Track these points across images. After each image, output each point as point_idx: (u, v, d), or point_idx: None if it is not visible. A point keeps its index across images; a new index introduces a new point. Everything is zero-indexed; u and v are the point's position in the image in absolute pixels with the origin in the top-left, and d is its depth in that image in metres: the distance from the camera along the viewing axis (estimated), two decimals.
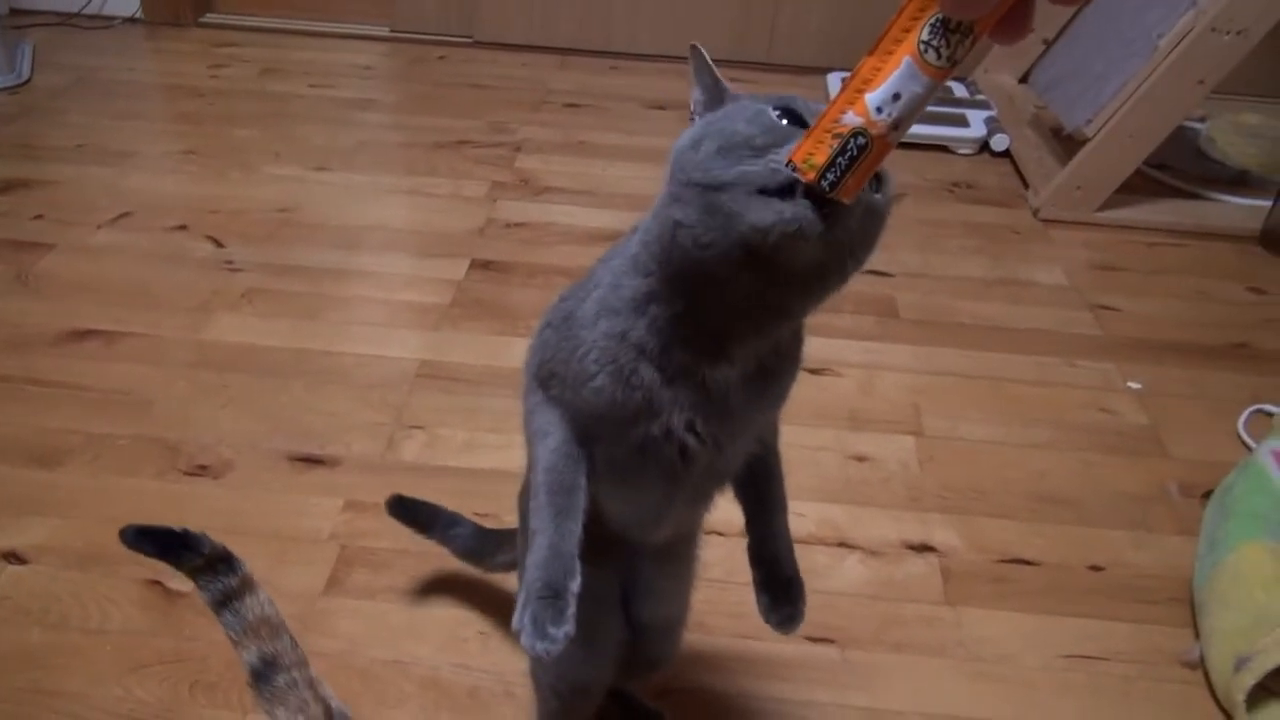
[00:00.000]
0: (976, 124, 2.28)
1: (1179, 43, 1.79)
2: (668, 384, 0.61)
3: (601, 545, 0.68)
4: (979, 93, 2.45)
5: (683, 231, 0.55)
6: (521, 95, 2.47)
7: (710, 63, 0.61)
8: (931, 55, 0.46)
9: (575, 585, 0.63)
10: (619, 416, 0.63)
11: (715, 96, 0.60)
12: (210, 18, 2.83)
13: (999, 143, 2.23)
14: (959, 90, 2.47)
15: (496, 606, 1.12)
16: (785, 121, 0.54)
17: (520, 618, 0.62)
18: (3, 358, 1.46)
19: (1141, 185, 2.05)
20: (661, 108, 2.43)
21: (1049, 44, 2.36)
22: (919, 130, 2.23)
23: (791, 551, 0.75)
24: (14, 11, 2.67)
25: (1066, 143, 2.09)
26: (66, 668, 1.03)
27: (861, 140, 0.48)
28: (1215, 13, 1.75)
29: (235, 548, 1.17)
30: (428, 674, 1.05)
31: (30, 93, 2.35)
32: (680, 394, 0.62)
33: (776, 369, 0.64)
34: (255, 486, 1.27)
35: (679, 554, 0.83)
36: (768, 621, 0.73)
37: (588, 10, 2.68)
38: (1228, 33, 1.75)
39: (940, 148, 2.27)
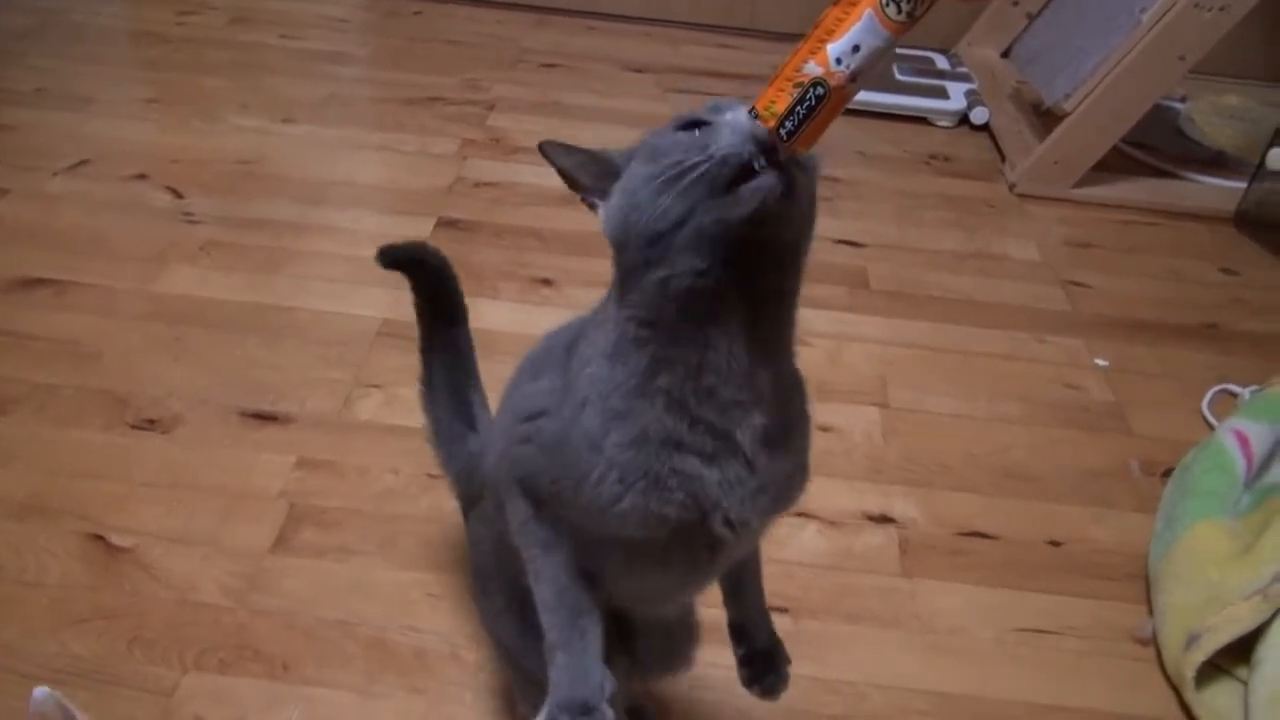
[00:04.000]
0: (957, 96, 2.25)
1: (1161, 18, 1.76)
2: (708, 464, 0.57)
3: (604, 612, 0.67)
4: (961, 65, 2.42)
5: (677, 279, 0.53)
6: (497, 53, 2.42)
7: (563, 144, 0.58)
8: (892, 10, 0.47)
9: (609, 691, 0.62)
10: (651, 531, 0.59)
11: (603, 167, 0.57)
12: None
13: (978, 116, 2.21)
14: (940, 62, 2.44)
15: (445, 568, 1.11)
16: (694, 130, 0.53)
17: None
18: None
19: (1119, 163, 2.03)
20: (639, 70, 2.38)
21: (1032, 18, 2.34)
22: (898, 101, 2.21)
23: (770, 624, 0.75)
24: None
25: (1046, 118, 2.07)
26: (1, 620, 1.00)
27: (820, 90, 0.48)
28: None
29: (180, 503, 1.16)
30: (374, 634, 1.03)
31: None
32: (721, 472, 0.58)
33: (794, 417, 0.62)
34: (204, 442, 1.24)
35: (678, 615, 0.82)
36: (751, 691, 0.74)
37: None
38: (1210, 9, 1.73)
39: (919, 119, 2.24)
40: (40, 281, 1.48)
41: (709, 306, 0.54)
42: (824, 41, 0.48)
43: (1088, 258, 1.82)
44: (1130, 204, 1.98)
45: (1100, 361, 1.53)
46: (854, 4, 0.47)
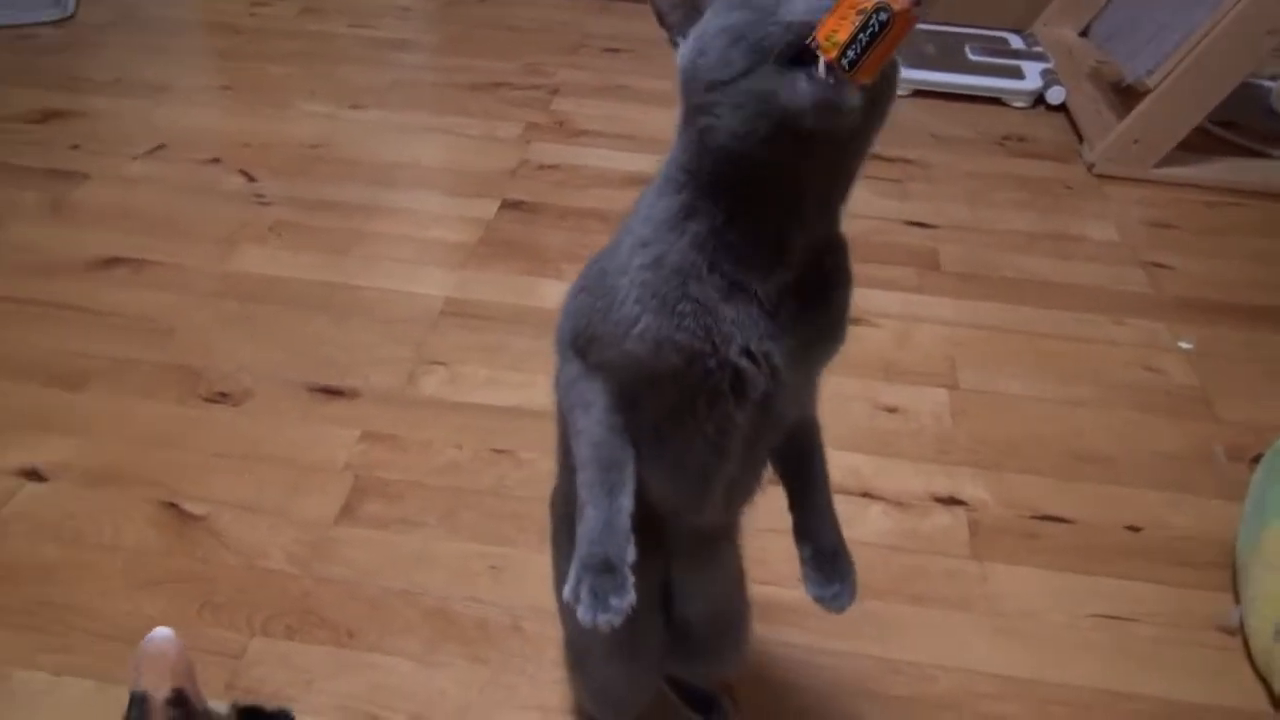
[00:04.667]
0: (1032, 76, 2.19)
1: None
2: (722, 301, 0.57)
3: (642, 539, 0.64)
4: (1036, 45, 2.35)
5: (714, 133, 0.53)
6: (560, 39, 2.42)
7: None
8: None
9: (632, 557, 0.61)
10: (672, 360, 0.59)
11: (690, 8, 0.56)
12: None
13: (1055, 95, 2.14)
14: (1015, 42, 2.37)
15: (509, 541, 1.11)
16: None
17: (575, 590, 0.60)
18: (31, 282, 1.47)
19: (1203, 143, 1.95)
20: None
21: None
22: (971, 81, 2.16)
23: (838, 526, 0.71)
24: None
25: (1127, 96, 2.00)
26: (79, 582, 1.03)
27: (884, 16, 0.47)
28: None
29: (251, 475, 1.18)
30: (436, 605, 1.04)
31: (74, 27, 2.35)
32: (736, 312, 0.57)
33: (828, 279, 0.60)
34: (273, 414, 1.26)
35: (720, 545, 0.79)
36: (817, 599, 0.69)
37: None
38: None
39: (993, 100, 2.18)
40: (118, 260, 1.53)
41: (742, 169, 0.54)
42: None
43: (1170, 239, 1.75)
44: (1216, 184, 1.90)
45: (1184, 344, 1.47)
46: None
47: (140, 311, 1.42)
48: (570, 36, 2.43)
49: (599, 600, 0.59)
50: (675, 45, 0.57)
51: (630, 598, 0.60)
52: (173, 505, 1.13)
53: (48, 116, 1.94)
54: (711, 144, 0.54)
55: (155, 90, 2.07)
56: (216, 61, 2.27)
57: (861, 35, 0.46)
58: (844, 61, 0.47)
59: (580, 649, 0.83)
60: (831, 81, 0.48)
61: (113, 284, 1.48)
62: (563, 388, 0.67)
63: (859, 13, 0.47)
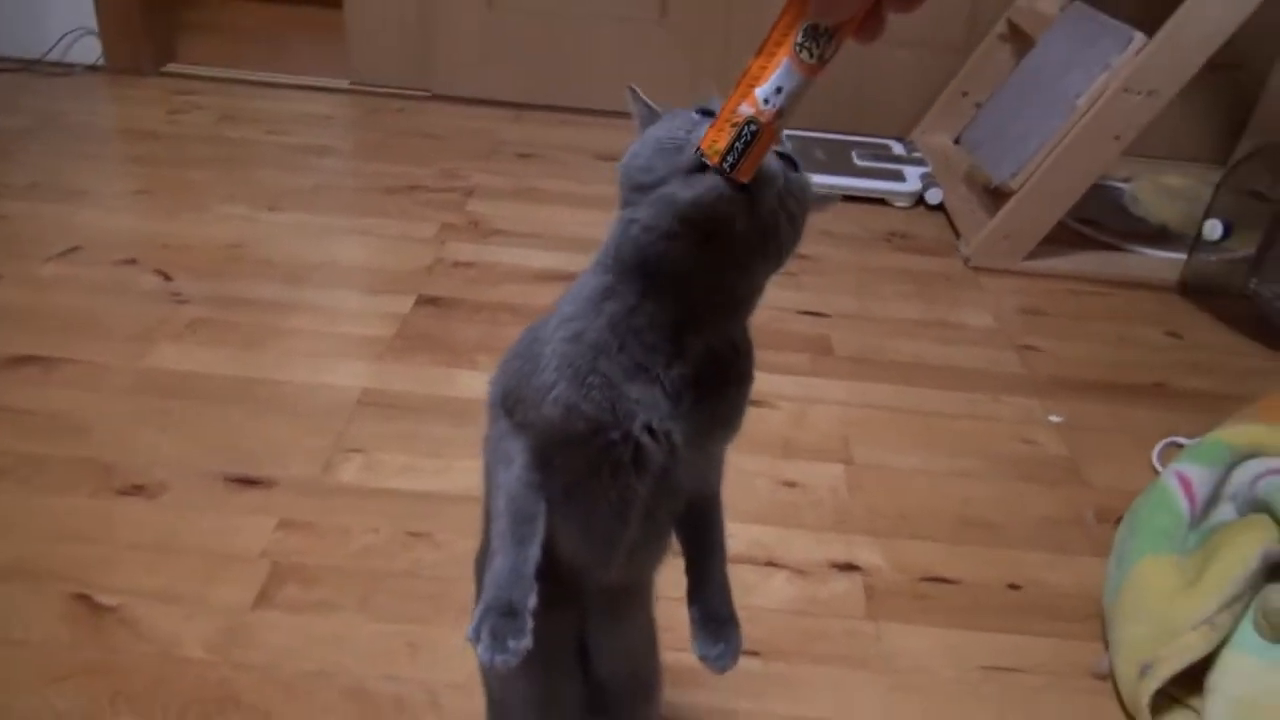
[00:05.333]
0: (912, 179, 2.38)
1: (1095, 102, 1.90)
2: (627, 380, 0.63)
3: (554, 591, 0.69)
4: (915, 150, 2.56)
5: (633, 226, 0.60)
6: (475, 145, 2.53)
7: (644, 97, 0.67)
8: (805, 54, 0.54)
9: (532, 603, 0.65)
10: (579, 428, 0.64)
11: (650, 119, 0.66)
12: (171, 67, 2.89)
13: (933, 196, 2.33)
14: (896, 148, 2.58)
15: (425, 620, 1.14)
16: (707, 117, 0.60)
17: (476, 630, 0.64)
18: None
19: (1067, 238, 2.15)
20: (609, 159, 2.48)
21: (979, 107, 2.48)
22: (858, 184, 2.33)
23: (729, 594, 0.76)
24: None
25: (996, 196, 2.19)
26: None
27: (754, 127, 0.55)
28: (1128, 74, 1.87)
29: (166, 565, 1.19)
30: (353, 684, 1.05)
31: None
32: (640, 392, 0.63)
33: (727, 375, 0.66)
34: (189, 506, 1.28)
35: (631, 601, 0.83)
36: (702, 659, 0.73)
37: (540, 67, 2.77)
38: (1139, 93, 1.87)
39: (879, 201, 2.36)
40: (30, 359, 1.53)
41: (653, 264, 0.61)
42: (751, 87, 0.55)
43: (1040, 324, 1.91)
44: (1079, 275, 2.08)
45: (1054, 418, 1.60)
46: (773, 54, 0.54)
47: (52, 409, 1.43)
48: (484, 143, 2.55)
49: (498, 641, 0.63)
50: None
51: (527, 641, 0.64)
52: (84, 597, 1.12)
53: None
54: (630, 234, 0.61)
55: (72, 195, 2.09)
56: (134, 167, 2.31)
57: (737, 143, 0.55)
58: (725, 164, 0.56)
59: (502, 708, 0.86)
60: (720, 179, 0.56)
61: (23, 382, 1.48)
62: (489, 444, 0.73)
63: (733, 125, 0.55)
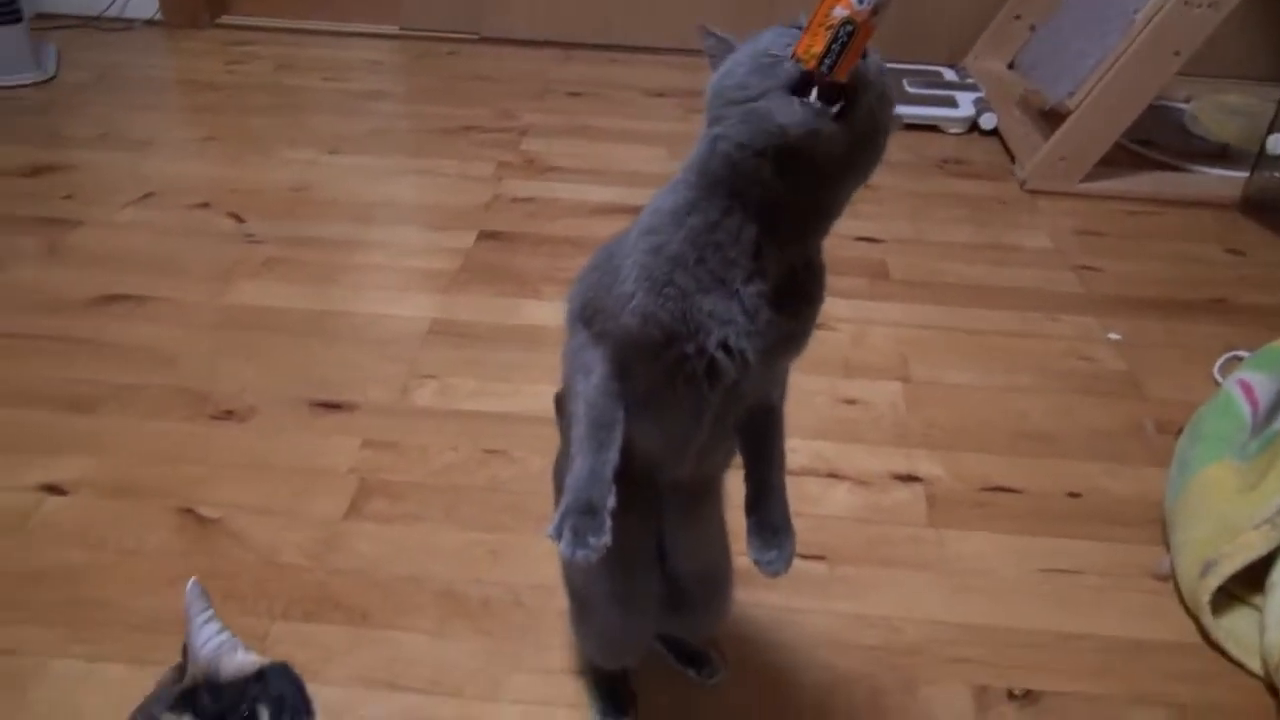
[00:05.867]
0: (965, 105, 2.36)
1: (1154, 16, 1.87)
2: (703, 293, 0.66)
3: (632, 493, 0.73)
4: (968, 77, 2.53)
5: (722, 142, 0.63)
6: (526, 85, 2.56)
7: (716, 32, 0.68)
8: None
9: (611, 504, 0.70)
10: (655, 337, 0.67)
11: (725, 52, 0.67)
12: (226, 19, 2.94)
13: (987, 121, 2.31)
14: (948, 75, 2.55)
15: (506, 529, 1.20)
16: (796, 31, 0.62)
17: (558, 528, 0.69)
18: (37, 319, 1.55)
19: (1125, 159, 2.12)
20: (660, 95, 2.51)
21: (1034, 29, 2.45)
22: (910, 111, 2.32)
23: (785, 504, 0.79)
24: (40, 15, 2.78)
25: (1051, 118, 2.17)
26: (106, 582, 1.10)
27: (850, 28, 0.58)
28: None
29: (262, 481, 1.26)
30: (443, 588, 1.12)
31: (56, 88, 2.45)
32: (715, 305, 0.66)
33: (802, 294, 0.69)
34: (278, 429, 1.35)
35: (703, 502, 0.88)
36: (756, 563, 0.77)
37: (588, 6, 2.78)
38: (1199, 5, 1.83)
39: (931, 128, 2.35)
40: (118, 297, 1.61)
41: (739, 180, 0.63)
42: None
43: (1098, 245, 1.90)
44: (1138, 195, 2.06)
45: (1113, 336, 1.61)
46: None
47: (143, 343, 1.51)
48: (535, 83, 2.57)
49: (579, 538, 0.68)
50: (714, 70, 0.67)
51: (606, 539, 0.68)
52: (189, 511, 1.20)
53: (38, 170, 2.02)
54: (719, 151, 0.63)
55: (140, 144, 2.16)
56: (198, 116, 2.37)
57: (834, 45, 0.57)
58: (822, 67, 0.58)
59: (584, 600, 0.91)
60: (817, 108, 0.59)
61: (114, 318, 1.56)
62: (568, 355, 0.76)
63: (828, 29, 0.58)
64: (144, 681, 0.98)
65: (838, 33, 0.57)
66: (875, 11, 0.57)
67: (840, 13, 0.57)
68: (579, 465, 0.71)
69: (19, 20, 2.40)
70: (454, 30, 2.87)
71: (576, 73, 2.66)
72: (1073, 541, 1.22)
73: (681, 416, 0.73)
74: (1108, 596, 1.15)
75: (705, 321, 0.66)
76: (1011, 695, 1.02)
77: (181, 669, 0.71)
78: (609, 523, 0.69)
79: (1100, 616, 1.12)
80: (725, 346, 0.67)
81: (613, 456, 0.72)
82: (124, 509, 1.20)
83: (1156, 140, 2.22)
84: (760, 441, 0.79)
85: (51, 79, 2.47)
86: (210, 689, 0.68)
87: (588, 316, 0.73)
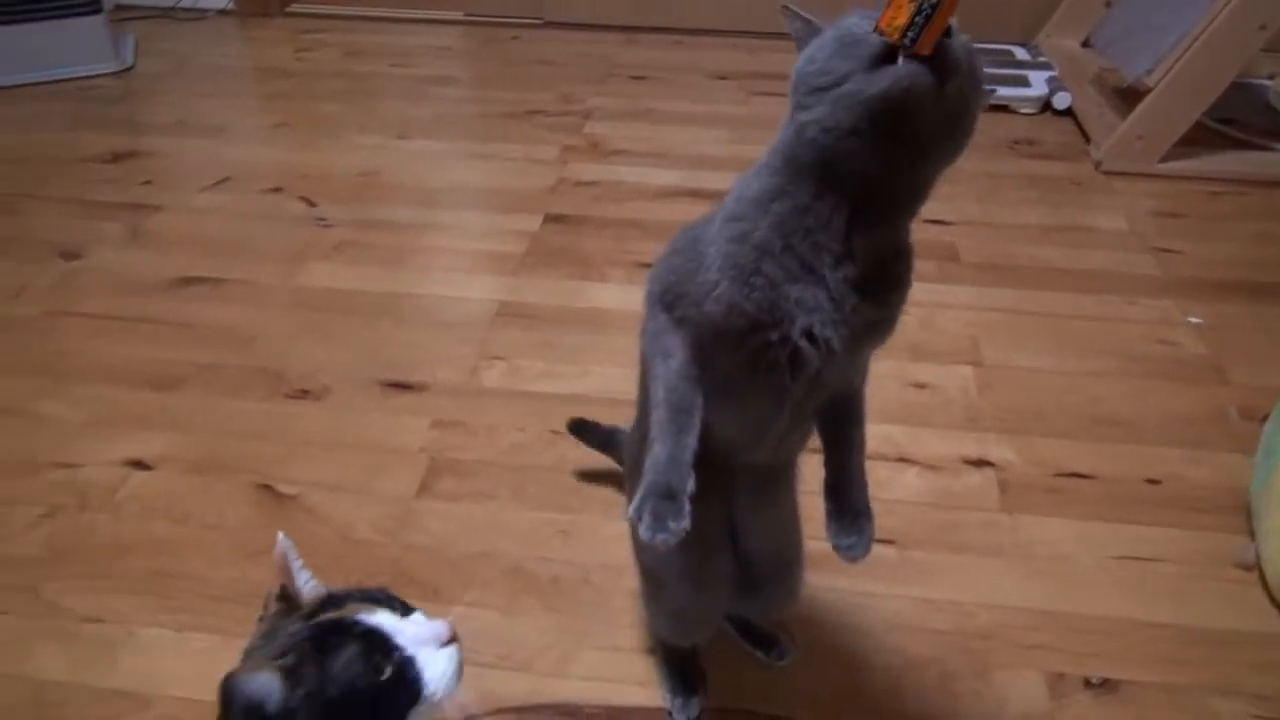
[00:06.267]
0: (1038, 84, 2.30)
1: None
2: (790, 281, 0.65)
3: (708, 474, 0.73)
4: (1040, 55, 2.46)
5: (810, 128, 0.62)
6: (589, 69, 2.56)
7: (801, 13, 0.67)
8: None
9: (690, 488, 0.70)
10: (739, 325, 0.67)
11: (810, 33, 0.66)
12: (296, 7, 2.99)
13: (1060, 100, 2.25)
14: (1020, 54, 2.49)
15: (574, 509, 1.21)
16: None
17: (638, 510, 0.69)
18: (119, 300, 1.60)
19: (1206, 138, 2.05)
20: (724, 78, 2.50)
21: (1110, 4, 2.37)
22: None
23: (865, 489, 0.78)
24: (119, 6, 2.86)
25: (1128, 97, 2.10)
26: (190, 554, 1.14)
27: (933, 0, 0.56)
28: None
29: (335, 459, 1.29)
30: (512, 565, 1.13)
31: (134, 77, 2.52)
32: (802, 293, 0.65)
33: (890, 279, 0.68)
34: (351, 408, 1.38)
35: (777, 484, 0.88)
36: (836, 549, 0.77)
37: None
38: None
39: (1002, 108, 2.29)
40: (197, 279, 1.65)
41: (830, 162, 0.62)
42: None
43: (1177, 226, 1.84)
44: (1219, 175, 1.99)
45: (1193, 319, 1.56)
46: None
47: (221, 323, 1.55)
48: (598, 67, 2.58)
49: (659, 522, 0.68)
50: (799, 53, 0.67)
51: (685, 523, 0.68)
52: (267, 487, 1.24)
53: (118, 157, 2.08)
54: (806, 137, 0.62)
55: (215, 130, 2.22)
56: (270, 103, 2.42)
57: (917, 17, 0.56)
58: (906, 40, 0.57)
59: (656, 577, 0.92)
60: (908, 67, 0.57)
61: (194, 300, 1.61)
62: (648, 338, 0.76)
63: (911, 0, 0.56)
64: (226, 651, 1.01)
65: (921, 5, 0.56)
66: None
67: None
68: (659, 449, 0.71)
69: (99, 12, 2.47)
70: (518, 15, 2.88)
71: (639, 56, 2.66)
72: (1151, 528, 1.19)
73: (762, 404, 0.73)
74: (1188, 585, 1.12)
75: (791, 309, 0.66)
76: (1088, 683, 1.00)
77: (280, 614, 0.72)
78: (688, 507, 0.69)
79: (1180, 605, 1.09)
80: (810, 335, 0.66)
81: (692, 441, 0.72)
82: (205, 484, 1.24)
83: (1239, 118, 2.14)
84: (841, 427, 0.79)
85: (130, 68, 2.54)
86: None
87: (669, 301, 0.73)
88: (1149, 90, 1.93)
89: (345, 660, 0.62)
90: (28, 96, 2.36)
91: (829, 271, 0.65)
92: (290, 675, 0.61)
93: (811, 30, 0.66)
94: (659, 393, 0.73)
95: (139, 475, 1.25)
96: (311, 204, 1.90)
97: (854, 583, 1.11)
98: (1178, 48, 1.87)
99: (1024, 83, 2.31)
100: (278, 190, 1.95)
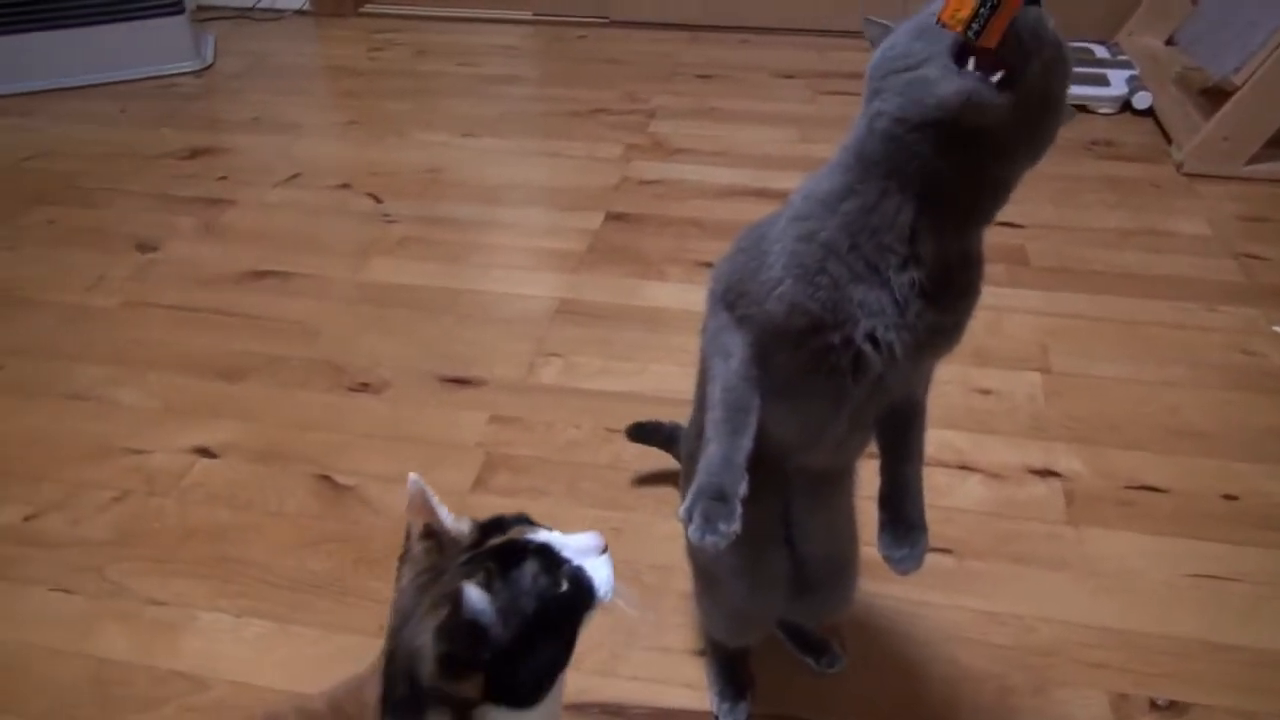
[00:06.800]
0: (1118, 83, 2.22)
1: None
2: (854, 282, 0.64)
3: (763, 474, 0.72)
4: (1120, 54, 2.39)
5: (880, 119, 0.60)
6: (655, 68, 2.56)
7: (880, 20, 0.66)
8: None
9: (743, 491, 0.68)
10: (801, 325, 0.66)
11: (888, 35, 0.64)
12: (370, 8, 3.05)
13: (1141, 100, 2.18)
14: (1100, 52, 2.41)
15: (627, 507, 1.20)
16: None
17: (689, 511, 0.68)
18: (193, 292, 1.64)
19: None
20: (790, 76, 2.47)
21: (1197, 1, 2.29)
22: None
23: (920, 501, 0.77)
24: (200, 7, 2.95)
25: (1214, 97, 2.02)
26: (251, 541, 1.17)
27: None
28: None
29: (393, 452, 1.30)
30: None
31: (213, 75, 2.59)
32: (866, 295, 0.64)
33: (957, 286, 0.66)
34: (409, 401, 1.39)
35: (834, 488, 0.86)
36: (886, 559, 0.75)
37: None
38: None
39: (1079, 107, 2.22)
40: (267, 273, 1.69)
41: (898, 157, 0.61)
42: None
43: (1263, 231, 1.77)
44: None
45: (1279, 329, 1.49)
46: None
47: (289, 315, 1.58)
48: (664, 66, 2.57)
49: (709, 524, 0.67)
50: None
51: (736, 526, 0.67)
52: (326, 478, 1.26)
53: (196, 153, 2.14)
54: (877, 129, 0.61)
55: (289, 127, 2.27)
56: (341, 100, 2.47)
57: (982, 9, 0.54)
58: (969, 33, 0.55)
59: (710, 576, 0.91)
60: (978, 78, 0.56)
61: (263, 293, 1.64)
62: (708, 335, 0.75)
63: None
64: (282, 637, 1.04)
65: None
66: None
67: None
68: (713, 450, 0.70)
69: (181, 12, 2.54)
70: (584, 15, 2.89)
71: (705, 54, 2.65)
72: (1227, 546, 1.14)
73: (821, 407, 0.72)
74: (1265, 606, 1.07)
75: (854, 312, 0.64)
76: (1154, 705, 0.97)
77: (430, 549, 0.72)
78: (739, 510, 0.68)
79: (1255, 627, 1.04)
80: (873, 338, 0.65)
81: (747, 443, 0.70)
82: (267, 473, 1.27)
83: None
84: (900, 436, 0.77)
85: (209, 67, 2.62)
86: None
87: (731, 300, 0.72)
88: (1236, 90, 1.86)
89: (530, 576, 0.65)
90: (113, 94, 2.45)
91: (893, 274, 0.63)
92: (491, 591, 0.63)
93: (884, 30, 0.64)
94: (716, 392, 0.72)
95: (205, 463, 1.28)
96: (378, 200, 1.93)
97: (910, 591, 1.08)
98: (1267, 45, 1.79)
99: (1103, 81, 2.24)
100: (346, 186, 1.99)
